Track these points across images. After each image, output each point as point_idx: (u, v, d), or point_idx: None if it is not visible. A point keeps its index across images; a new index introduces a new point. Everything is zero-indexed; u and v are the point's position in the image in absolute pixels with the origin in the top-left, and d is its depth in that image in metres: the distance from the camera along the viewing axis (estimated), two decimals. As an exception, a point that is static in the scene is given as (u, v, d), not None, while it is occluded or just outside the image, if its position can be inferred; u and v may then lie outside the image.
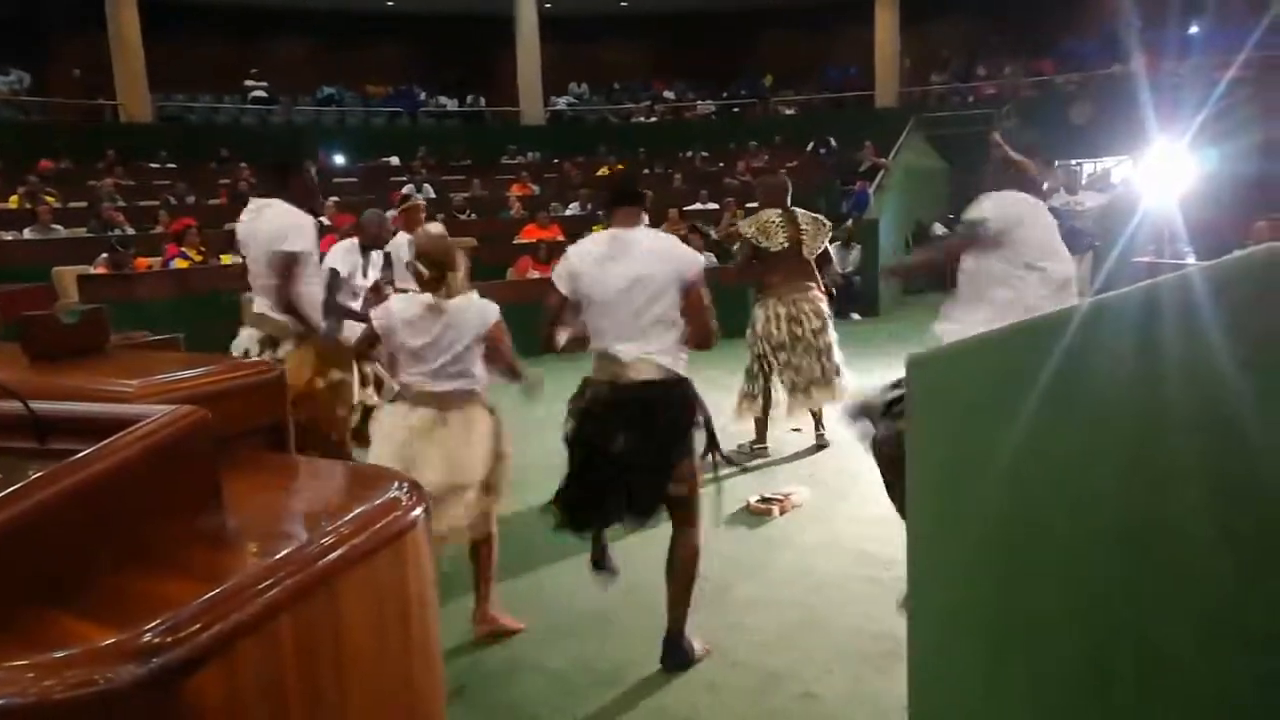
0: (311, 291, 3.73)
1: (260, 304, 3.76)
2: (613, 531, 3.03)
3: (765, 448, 5.36)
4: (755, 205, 6.28)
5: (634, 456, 2.73)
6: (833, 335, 5.20)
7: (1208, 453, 1.08)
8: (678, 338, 2.82)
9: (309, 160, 4.46)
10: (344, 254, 4.92)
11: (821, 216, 5.44)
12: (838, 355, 5.18)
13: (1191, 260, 5.13)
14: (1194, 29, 15.18)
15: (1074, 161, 9.47)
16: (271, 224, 3.66)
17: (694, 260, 2.87)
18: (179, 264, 8.77)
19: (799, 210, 5.32)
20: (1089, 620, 1.28)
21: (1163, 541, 1.17)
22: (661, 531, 2.99)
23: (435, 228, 3.46)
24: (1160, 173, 7.64)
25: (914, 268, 3.39)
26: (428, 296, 3.00)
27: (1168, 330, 1.10)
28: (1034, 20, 17.26)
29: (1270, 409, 0.99)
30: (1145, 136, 8.77)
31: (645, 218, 2.96)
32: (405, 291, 3.35)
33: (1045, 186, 2.95)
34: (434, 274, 3.01)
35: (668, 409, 2.79)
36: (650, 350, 2.76)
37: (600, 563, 3.03)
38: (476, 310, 3.04)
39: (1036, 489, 1.33)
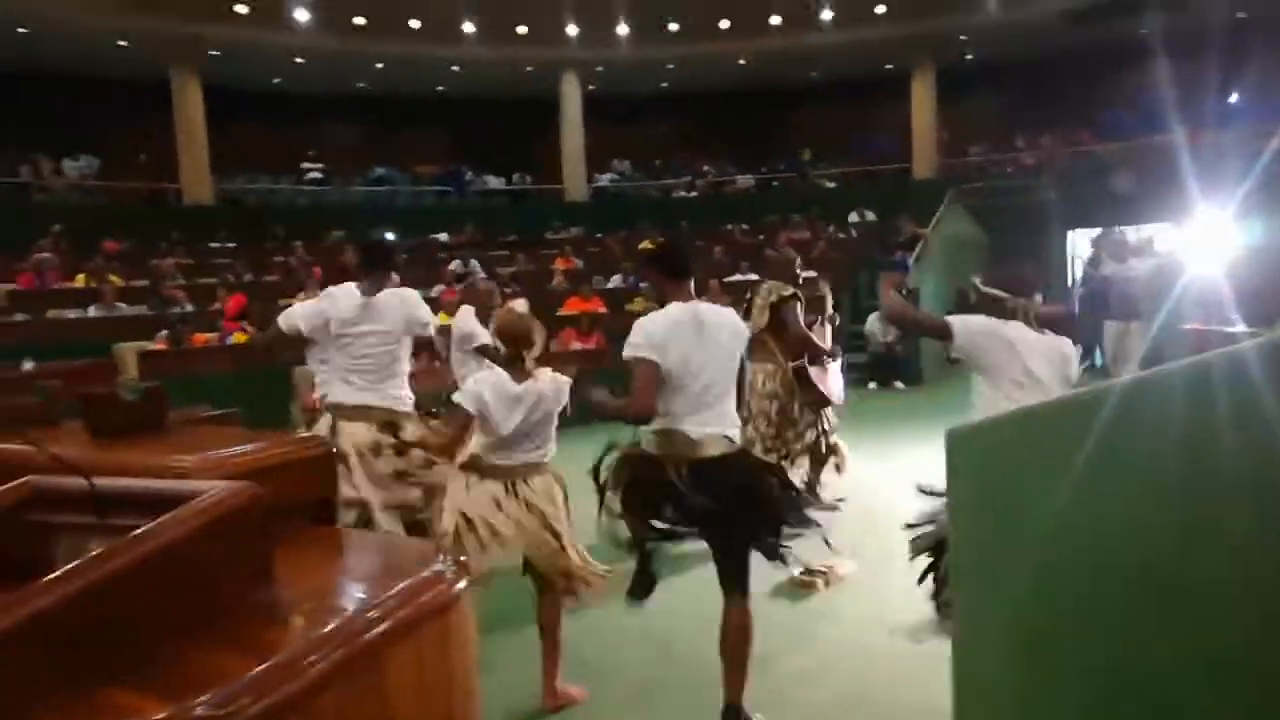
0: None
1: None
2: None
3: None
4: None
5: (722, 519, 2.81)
6: (800, 419, 5.07)
7: (1264, 530, 1.06)
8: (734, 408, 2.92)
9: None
10: (475, 322, 5.07)
11: (784, 288, 5.09)
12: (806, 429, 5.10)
13: (1240, 328, 5.04)
14: (1234, 98, 15.16)
15: (1118, 229, 9.41)
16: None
17: (745, 331, 3.03)
18: (238, 338, 9.04)
19: (767, 284, 5.16)
20: (1140, 694, 1.25)
21: (1216, 616, 1.14)
22: (706, 598, 2.96)
23: (520, 305, 3.56)
24: (1205, 241, 7.56)
25: (896, 313, 3.44)
26: (506, 377, 3.09)
27: (1219, 408, 1.09)
28: (1071, 92, 17.36)
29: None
30: (1188, 205, 8.71)
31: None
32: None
33: (1029, 313, 3.05)
34: (511, 352, 3.11)
35: (742, 478, 2.88)
36: (719, 426, 2.85)
37: (639, 593, 3.04)
38: (553, 386, 3.12)
39: (1079, 562, 1.31)
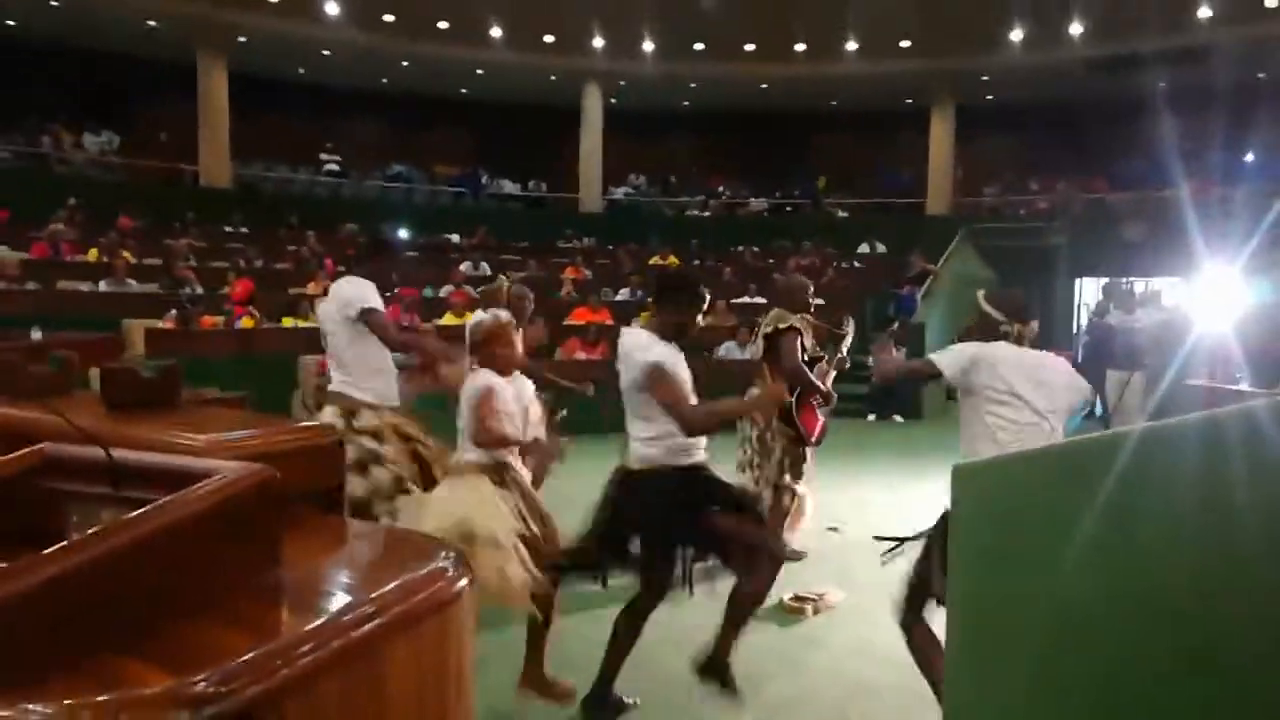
0: None
1: None
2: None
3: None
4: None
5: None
6: (776, 446, 4.87)
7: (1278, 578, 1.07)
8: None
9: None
10: None
11: (784, 317, 4.92)
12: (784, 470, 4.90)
13: (1246, 386, 5.05)
14: (1249, 156, 15.23)
15: (1125, 280, 9.47)
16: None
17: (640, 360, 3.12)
18: (245, 323, 9.07)
19: (772, 311, 5.05)
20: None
21: (1229, 658, 1.15)
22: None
23: (504, 315, 3.66)
24: (1213, 296, 7.59)
25: (887, 374, 3.50)
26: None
27: (1233, 461, 1.10)
28: (1088, 139, 17.44)
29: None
30: (1197, 259, 8.74)
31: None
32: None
33: (1022, 336, 3.13)
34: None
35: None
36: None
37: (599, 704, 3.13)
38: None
39: (1092, 604, 1.32)
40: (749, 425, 4.85)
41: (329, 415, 3.81)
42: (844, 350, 5.11)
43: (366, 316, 3.78)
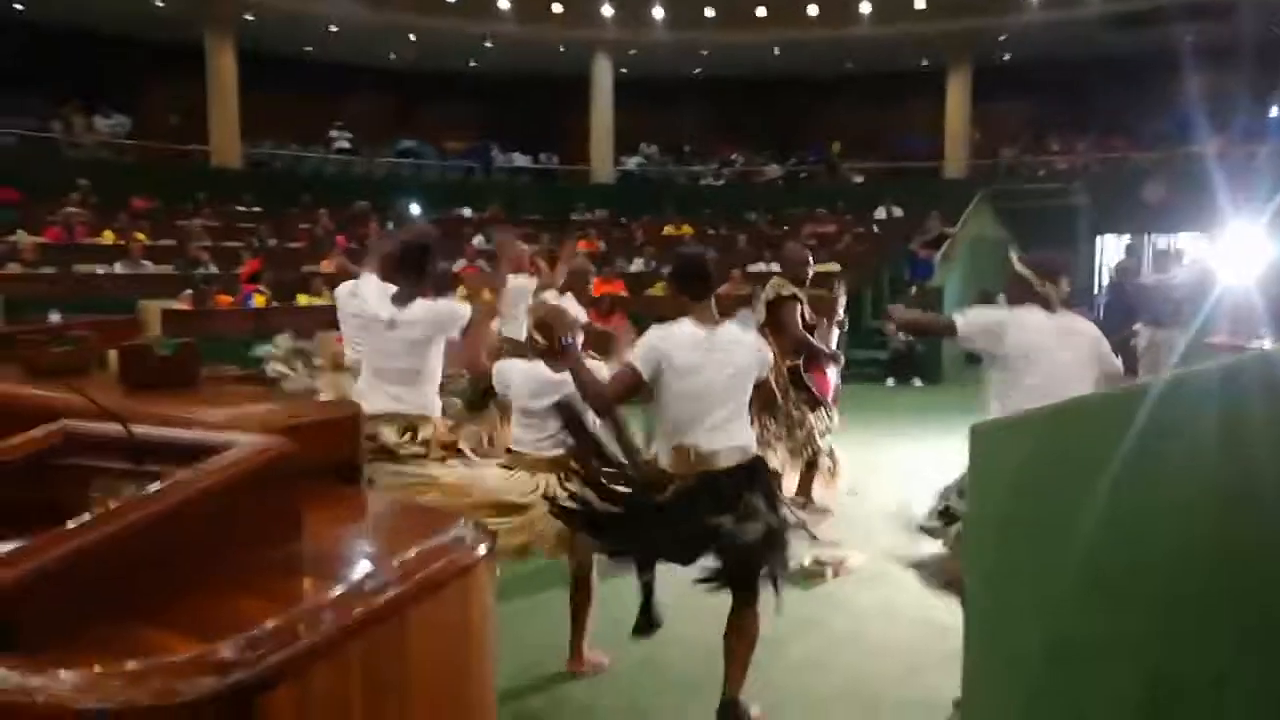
0: None
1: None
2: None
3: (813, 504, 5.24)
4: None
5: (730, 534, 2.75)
6: (801, 413, 4.99)
7: None
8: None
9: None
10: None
11: (784, 286, 5.07)
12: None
13: (1268, 343, 4.98)
14: (1273, 112, 14.94)
15: (1150, 237, 9.37)
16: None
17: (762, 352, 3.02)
18: (257, 300, 9.12)
19: (772, 280, 5.24)
20: (1158, 700, 1.26)
21: (1248, 607, 1.14)
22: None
23: (553, 297, 3.64)
24: (1236, 253, 7.48)
25: (904, 322, 3.49)
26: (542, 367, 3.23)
27: (1253, 406, 1.09)
28: (1106, 98, 17.14)
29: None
30: (1220, 216, 8.61)
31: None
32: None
33: (1051, 297, 3.13)
34: (548, 344, 3.22)
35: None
36: (728, 440, 2.86)
37: (645, 625, 3.05)
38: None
39: (1117, 560, 1.31)
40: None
41: (390, 435, 3.27)
42: (840, 312, 5.34)
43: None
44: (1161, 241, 10.05)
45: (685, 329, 2.89)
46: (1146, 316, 7.45)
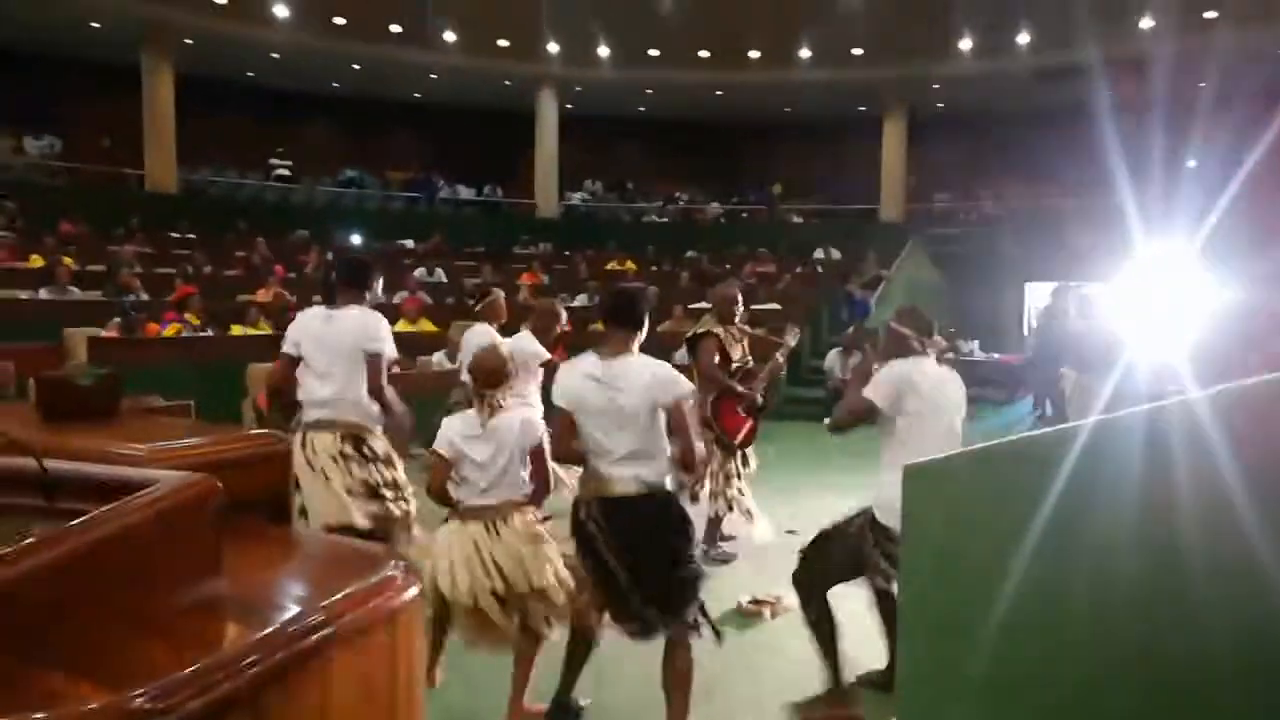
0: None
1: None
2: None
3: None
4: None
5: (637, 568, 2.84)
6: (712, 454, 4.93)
7: (1216, 559, 1.10)
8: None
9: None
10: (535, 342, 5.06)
11: (711, 324, 5.06)
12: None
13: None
14: (1190, 163, 15.66)
15: (1074, 283, 9.71)
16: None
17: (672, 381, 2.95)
18: (171, 329, 8.82)
19: (704, 317, 5.20)
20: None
21: (1169, 650, 1.17)
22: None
23: (496, 340, 3.60)
24: (1155, 302, 7.78)
25: (843, 426, 3.55)
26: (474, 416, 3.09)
27: (1174, 450, 1.13)
28: (1035, 146, 17.80)
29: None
30: (1139, 263, 8.96)
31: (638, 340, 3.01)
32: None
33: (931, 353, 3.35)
34: (480, 388, 3.10)
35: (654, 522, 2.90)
36: (629, 469, 2.87)
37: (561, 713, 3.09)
38: (521, 424, 3.11)
39: (1035, 600, 1.34)
40: None
41: (329, 443, 3.57)
42: (780, 357, 5.16)
43: (385, 363, 3.67)
44: (1086, 287, 10.39)
45: (585, 363, 2.97)
46: (1072, 360, 7.68)
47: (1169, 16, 14.01)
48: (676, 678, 2.90)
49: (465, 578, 2.95)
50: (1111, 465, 1.24)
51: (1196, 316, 7.38)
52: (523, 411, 3.30)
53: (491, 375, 3.09)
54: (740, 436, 5.06)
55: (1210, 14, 14.01)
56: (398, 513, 3.63)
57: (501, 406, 3.10)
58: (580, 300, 13.36)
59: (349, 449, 3.59)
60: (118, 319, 8.70)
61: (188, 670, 0.98)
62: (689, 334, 5.12)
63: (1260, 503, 1.07)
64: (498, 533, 3.01)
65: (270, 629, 1.11)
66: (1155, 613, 1.20)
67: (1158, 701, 1.23)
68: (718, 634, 3.01)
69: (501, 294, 5.47)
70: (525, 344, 4.97)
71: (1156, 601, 1.20)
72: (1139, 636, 1.24)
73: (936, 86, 17.54)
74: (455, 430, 3.07)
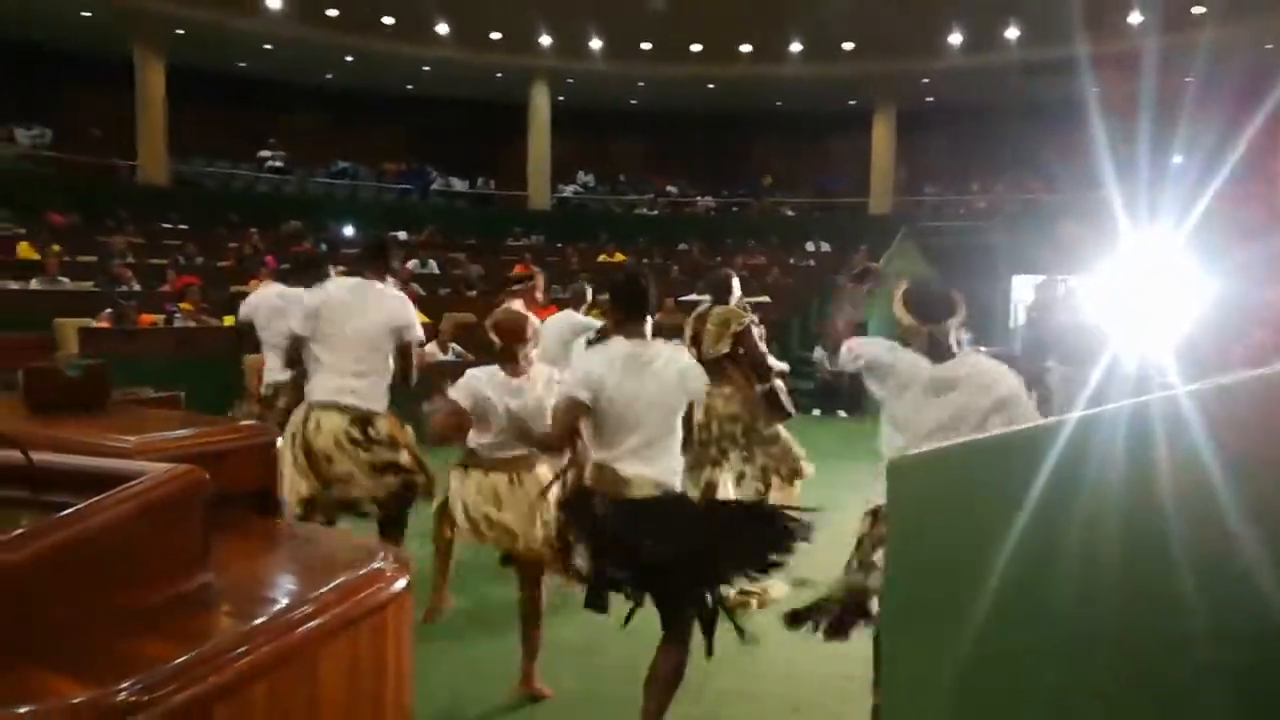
0: None
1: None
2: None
3: None
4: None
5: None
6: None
7: (1200, 556, 1.11)
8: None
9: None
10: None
11: (741, 316, 4.97)
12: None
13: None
14: (1176, 159, 15.71)
15: (1060, 278, 9.76)
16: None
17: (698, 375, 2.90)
18: (186, 304, 8.89)
19: (718, 309, 5.03)
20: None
21: (1147, 648, 1.18)
22: (643, 610, 2.96)
23: (516, 304, 3.69)
24: (1136, 293, 7.80)
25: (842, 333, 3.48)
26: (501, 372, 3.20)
27: (1158, 445, 1.14)
28: (1024, 140, 17.85)
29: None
30: (1121, 255, 8.99)
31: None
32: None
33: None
34: (505, 347, 3.24)
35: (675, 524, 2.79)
36: (650, 469, 2.76)
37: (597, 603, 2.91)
38: (546, 382, 3.24)
39: (1018, 596, 1.35)
40: (731, 424, 5.03)
41: (336, 425, 3.49)
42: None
43: (416, 346, 3.67)
44: (1073, 280, 10.43)
45: (618, 348, 2.81)
46: (1059, 353, 7.70)
47: (1157, 12, 14.06)
48: (662, 681, 2.79)
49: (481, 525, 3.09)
50: (1096, 459, 1.25)
51: (1182, 309, 7.41)
52: (551, 370, 3.41)
53: (516, 332, 3.24)
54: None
55: (1198, 9, 14.06)
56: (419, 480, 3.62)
57: (530, 361, 3.25)
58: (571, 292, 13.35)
59: (356, 432, 3.56)
60: (109, 310, 8.67)
61: (173, 663, 0.99)
62: (733, 329, 4.91)
63: (1244, 497, 1.08)
64: (521, 483, 3.17)
65: (255, 622, 1.12)
66: (1138, 605, 1.22)
67: (1140, 693, 1.24)
68: (741, 632, 2.91)
69: (542, 278, 5.75)
70: (575, 319, 5.46)
71: (1140, 595, 1.21)
72: (1122, 629, 1.25)
73: (926, 81, 17.55)
74: (483, 383, 3.16)
